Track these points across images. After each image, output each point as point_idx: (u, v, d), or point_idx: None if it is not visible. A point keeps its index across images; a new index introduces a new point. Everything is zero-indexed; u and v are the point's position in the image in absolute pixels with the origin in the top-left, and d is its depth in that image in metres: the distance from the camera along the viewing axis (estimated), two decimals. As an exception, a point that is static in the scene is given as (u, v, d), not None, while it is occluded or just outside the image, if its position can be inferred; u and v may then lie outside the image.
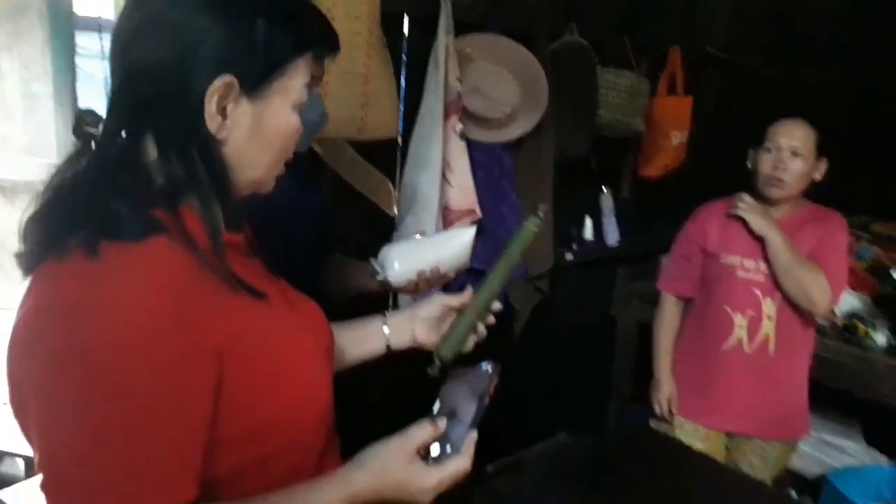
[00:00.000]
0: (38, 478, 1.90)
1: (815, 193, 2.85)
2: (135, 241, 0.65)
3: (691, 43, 2.80)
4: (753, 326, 1.81)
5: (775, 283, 1.76)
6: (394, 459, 0.76)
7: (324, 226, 1.38)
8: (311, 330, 0.85)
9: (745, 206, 1.79)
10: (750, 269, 1.81)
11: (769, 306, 1.79)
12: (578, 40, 2.34)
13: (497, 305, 1.05)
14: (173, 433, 0.63)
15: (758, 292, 1.80)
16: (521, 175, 2.25)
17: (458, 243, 1.26)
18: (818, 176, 1.80)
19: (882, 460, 2.27)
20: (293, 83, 0.75)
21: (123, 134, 0.70)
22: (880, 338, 2.12)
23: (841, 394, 2.16)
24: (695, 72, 2.81)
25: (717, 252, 1.86)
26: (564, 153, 2.35)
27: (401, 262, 1.24)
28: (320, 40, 0.78)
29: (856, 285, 2.29)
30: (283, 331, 0.77)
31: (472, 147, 2.03)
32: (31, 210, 0.68)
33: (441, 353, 1.01)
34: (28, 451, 2.08)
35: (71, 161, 0.70)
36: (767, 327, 1.80)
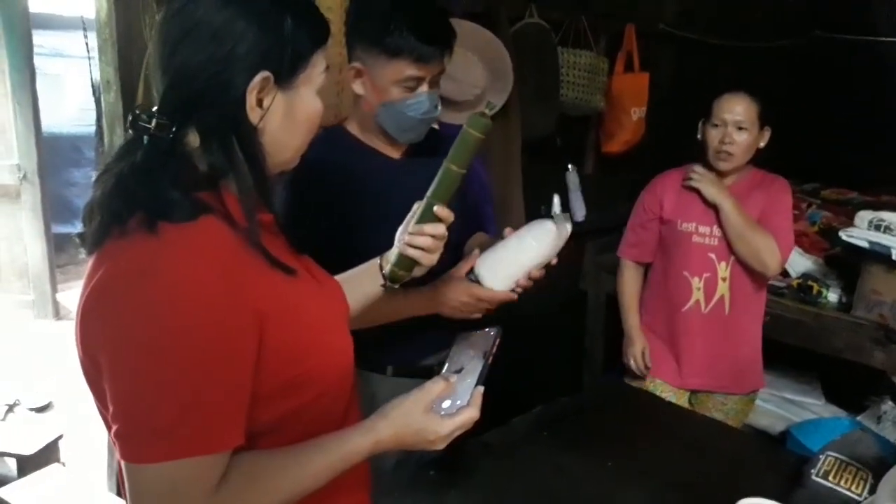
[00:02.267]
0: (34, 476, 1.92)
1: (766, 162, 2.99)
2: (187, 221, 0.73)
3: (644, 20, 2.89)
4: (709, 288, 1.94)
5: (729, 247, 1.89)
6: (413, 410, 0.85)
7: None
8: (334, 299, 0.94)
9: (698, 176, 1.91)
10: (705, 234, 1.93)
11: (723, 269, 1.92)
12: (538, 22, 2.41)
13: (445, 213, 1.07)
14: (227, 382, 0.72)
15: (713, 256, 1.92)
16: (492, 156, 2.31)
17: (548, 237, 1.22)
18: (762, 144, 1.93)
19: (840, 413, 2.42)
20: (315, 71, 0.83)
21: (174, 128, 0.77)
22: (833, 296, 2.26)
23: (800, 353, 2.30)
24: (649, 48, 2.90)
25: (674, 219, 1.98)
26: (530, 132, 2.41)
27: (502, 272, 1.22)
28: (329, 31, 0.86)
29: (808, 247, 2.42)
30: (311, 298, 0.85)
31: (445, 130, 2.08)
32: (91, 196, 0.76)
33: (387, 271, 1.06)
34: (20, 450, 2.08)
35: (126, 151, 0.77)
36: (722, 288, 1.93)
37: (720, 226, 1.89)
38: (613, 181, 2.93)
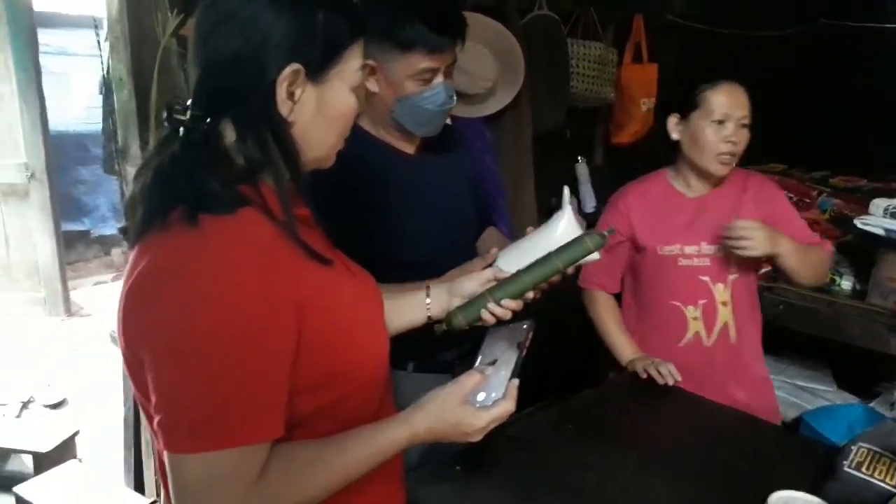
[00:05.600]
0: (50, 473, 1.93)
1: (779, 151, 2.97)
2: (228, 214, 0.73)
3: (652, 11, 2.88)
4: (709, 316, 1.66)
5: (723, 264, 1.64)
6: (449, 403, 0.86)
7: None
8: (370, 293, 0.94)
9: (747, 229, 1.52)
10: (692, 255, 1.65)
11: (721, 292, 1.66)
12: (547, 13, 2.40)
13: (516, 305, 1.08)
14: (267, 374, 0.73)
15: (706, 279, 1.65)
16: (503, 149, 2.31)
17: (566, 230, 1.19)
18: None
19: (852, 400, 2.42)
20: (349, 66, 0.82)
21: (208, 119, 0.77)
22: (846, 283, 2.25)
23: (809, 340, 2.29)
24: (657, 39, 2.89)
25: (651, 244, 1.68)
26: (541, 125, 2.41)
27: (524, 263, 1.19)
28: (365, 26, 0.84)
29: (820, 235, 2.42)
30: (348, 292, 0.86)
31: (456, 123, 2.08)
32: (132, 190, 0.77)
33: (452, 318, 1.08)
34: (36, 447, 2.09)
35: (163, 145, 0.78)
36: (724, 314, 1.66)
37: (710, 241, 1.63)
38: (622, 172, 2.92)
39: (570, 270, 1.14)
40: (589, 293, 1.84)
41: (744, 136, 1.63)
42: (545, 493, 1.20)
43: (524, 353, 0.93)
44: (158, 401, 0.72)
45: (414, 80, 1.28)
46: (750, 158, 3.03)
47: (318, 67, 0.79)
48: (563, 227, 1.20)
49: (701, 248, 1.66)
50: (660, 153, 2.80)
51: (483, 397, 0.88)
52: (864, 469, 1.18)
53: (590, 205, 2.77)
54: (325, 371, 0.80)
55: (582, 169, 2.77)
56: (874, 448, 1.22)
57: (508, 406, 0.87)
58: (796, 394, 2.45)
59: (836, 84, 3.26)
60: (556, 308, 2.72)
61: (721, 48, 3.07)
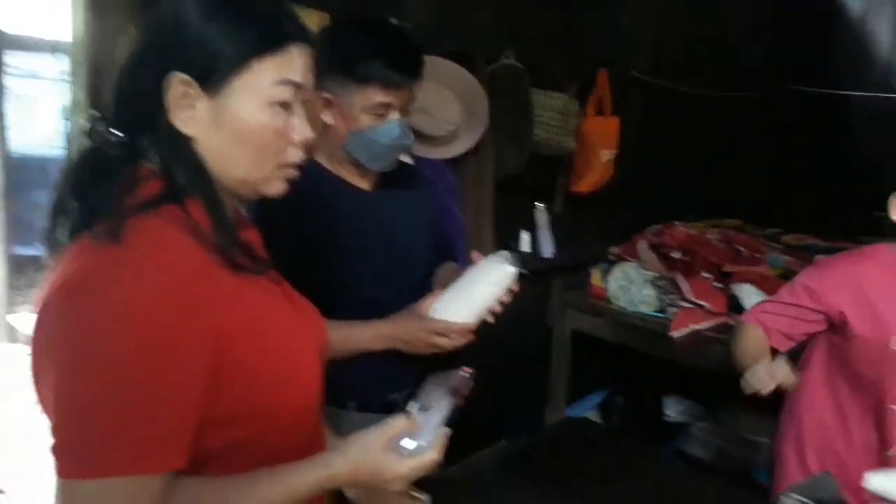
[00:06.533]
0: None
1: (737, 208, 3.04)
2: (147, 233, 0.71)
3: (617, 66, 2.98)
4: None
5: None
6: (372, 447, 0.82)
7: None
8: (307, 324, 0.91)
9: None
10: None
11: None
12: (514, 63, 2.46)
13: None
14: (171, 402, 0.69)
15: None
16: (465, 192, 2.34)
17: (501, 278, 1.27)
18: None
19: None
20: (259, 79, 0.76)
21: (121, 133, 0.75)
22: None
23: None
24: (621, 93, 2.98)
25: (881, 335, 1.40)
26: (503, 170, 2.45)
27: (454, 306, 1.27)
28: (290, 38, 0.79)
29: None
30: (279, 322, 0.83)
31: (419, 164, 2.10)
32: (51, 203, 0.75)
33: None
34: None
35: (85, 158, 0.76)
36: None
37: None
38: (581, 220, 2.98)
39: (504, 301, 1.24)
40: (747, 327, 1.58)
41: None
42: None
43: (460, 401, 0.91)
44: (55, 422, 0.69)
45: (368, 114, 1.30)
46: (707, 212, 3.14)
47: (214, 78, 0.75)
48: (490, 268, 1.26)
49: None
50: (617, 202, 2.87)
51: (411, 444, 0.85)
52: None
53: (547, 250, 2.80)
54: (246, 403, 0.76)
55: (541, 214, 2.80)
56: (803, 499, 1.23)
57: (433, 456, 0.84)
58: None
59: (797, 147, 3.40)
60: (511, 352, 2.74)
61: (684, 106, 3.19)
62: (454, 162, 2.29)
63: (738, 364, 1.48)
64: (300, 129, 0.82)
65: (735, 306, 2.47)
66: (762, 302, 1.62)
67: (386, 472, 0.82)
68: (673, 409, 2.64)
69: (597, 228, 2.96)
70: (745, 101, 3.37)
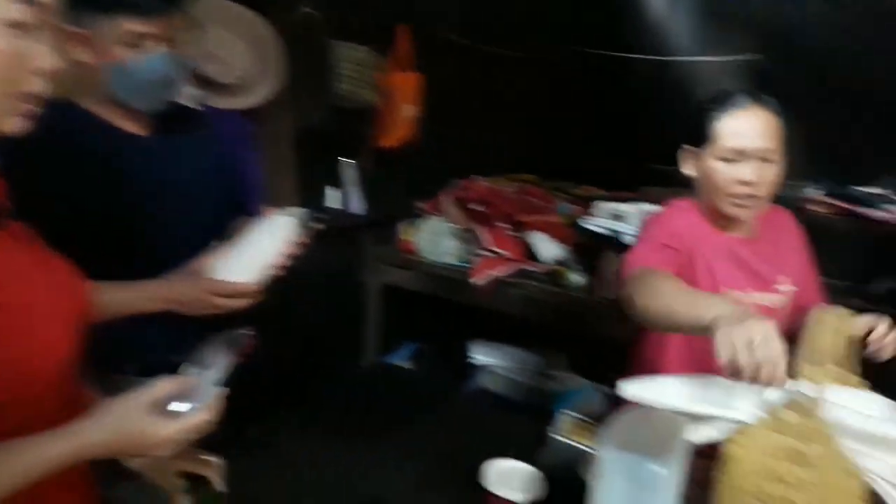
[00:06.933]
0: None
1: (532, 163, 3.21)
2: None
3: (421, 23, 3.00)
4: None
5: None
6: (130, 412, 0.77)
7: None
8: (57, 286, 0.83)
9: None
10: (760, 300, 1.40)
11: None
12: (312, 12, 2.40)
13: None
14: None
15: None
16: (263, 143, 2.25)
17: (282, 232, 1.22)
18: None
19: (585, 383, 2.71)
20: None
21: None
22: (579, 279, 2.52)
23: (549, 333, 2.54)
24: (426, 50, 3.02)
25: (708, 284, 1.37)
26: (302, 122, 2.40)
27: (235, 265, 1.19)
28: None
29: (559, 236, 2.69)
30: (14, 283, 0.75)
31: (211, 114, 1.99)
32: None
33: None
34: None
35: None
36: None
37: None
38: (389, 175, 3.00)
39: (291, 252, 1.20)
40: (650, 274, 1.28)
41: (769, 174, 1.33)
42: (283, 496, 1.17)
43: (235, 361, 0.89)
44: None
45: (122, 46, 1.21)
46: (506, 168, 3.31)
47: None
48: (272, 225, 1.22)
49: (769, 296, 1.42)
50: (427, 159, 2.93)
51: (183, 406, 0.81)
52: (569, 435, 1.33)
53: (357, 206, 2.80)
54: None
55: (347, 170, 2.79)
56: (577, 416, 1.37)
57: (204, 415, 0.81)
58: (538, 380, 2.69)
59: (589, 107, 3.66)
60: (323, 308, 2.73)
61: (488, 65, 3.30)
62: (252, 114, 2.19)
63: (667, 320, 1.15)
64: (42, 56, 0.73)
65: (530, 253, 2.66)
66: (631, 250, 1.39)
67: (150, 437, 0.77)
68: (479, 353, 2.79)
69: (406, 184, 3.00)
70: (541, 62, 3.56)
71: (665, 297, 1.14)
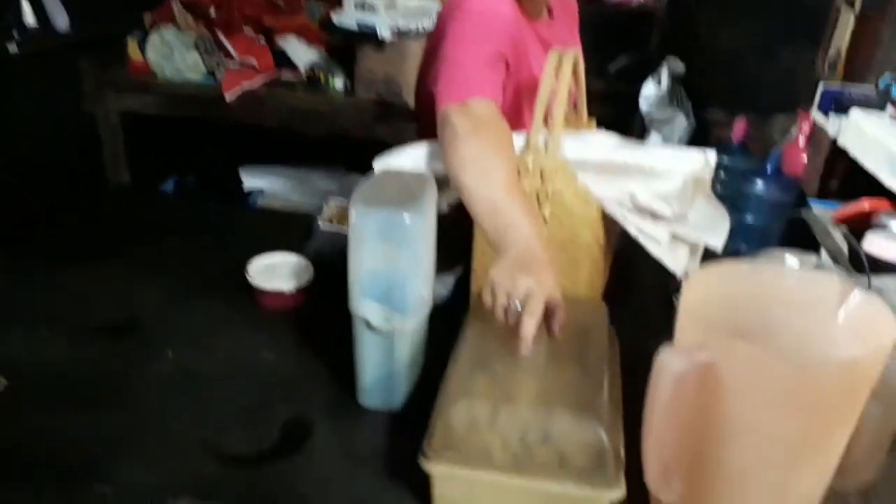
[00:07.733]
0: None
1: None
2: None
3: None
4: None
5: None
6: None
7: None
8: None
9: None
10: None
11: None
12: None
13: None
14: None
15: None
16: None
17: None
18: None
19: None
20: None
21: None
22: (338, 82, 2.40)
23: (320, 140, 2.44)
24: None
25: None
26: None
27: None
28: None
29: (312, 40, 2.50)
30: None
31: None
32: None
33: None
34: None
35: None
36: None
37: None
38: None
39: None
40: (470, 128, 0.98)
41: None
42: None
43: None
44: None
45: None
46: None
47: None
48: None
49: None
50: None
51: None
52: (333, 222, 1.29)
53: (61, 21, 2.34)
54: None
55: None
56: (342, 203, 1.34)
57: None
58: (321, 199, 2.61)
59: None
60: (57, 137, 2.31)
61: None
62: None
63: (473, 215, 0.96)
64: None
65: (283, 60, 2.45)
66: (450, 61, 1.07)
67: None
68: (250, 177, 2.61)
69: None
70: None
71: (483, 190, 0.93)
